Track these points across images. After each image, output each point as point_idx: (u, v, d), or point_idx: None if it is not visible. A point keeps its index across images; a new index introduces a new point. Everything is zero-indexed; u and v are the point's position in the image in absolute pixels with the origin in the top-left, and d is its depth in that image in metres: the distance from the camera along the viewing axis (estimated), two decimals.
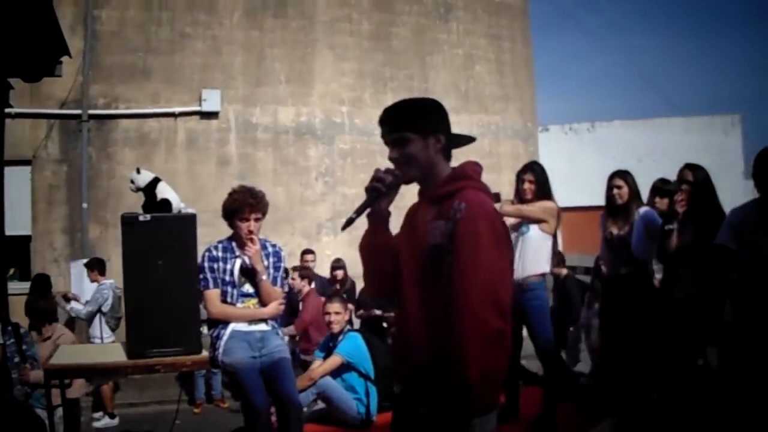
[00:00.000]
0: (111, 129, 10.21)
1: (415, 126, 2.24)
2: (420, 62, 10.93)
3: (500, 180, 10.40)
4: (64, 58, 6.29)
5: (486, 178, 8.88)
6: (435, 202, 2.23)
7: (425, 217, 2.23)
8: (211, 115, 10.21)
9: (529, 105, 11.72)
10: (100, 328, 7.73)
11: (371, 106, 10.61)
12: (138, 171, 4.65)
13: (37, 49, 5.86)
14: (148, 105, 10.23)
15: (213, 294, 4.08)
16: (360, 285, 7.39)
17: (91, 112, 10.12)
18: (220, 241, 4.19)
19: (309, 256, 8.51)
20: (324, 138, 10.48)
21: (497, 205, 4.81)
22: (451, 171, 2.28)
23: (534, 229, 4.90)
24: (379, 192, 2.29)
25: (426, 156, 2.24)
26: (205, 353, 4.02)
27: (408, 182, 2.30)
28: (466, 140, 2.49)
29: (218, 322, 4.08)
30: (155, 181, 4.58)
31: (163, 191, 4.55)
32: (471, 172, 2.30)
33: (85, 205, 10.02)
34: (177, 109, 10.23)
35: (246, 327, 4.04)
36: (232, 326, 4.02)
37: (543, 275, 4.96)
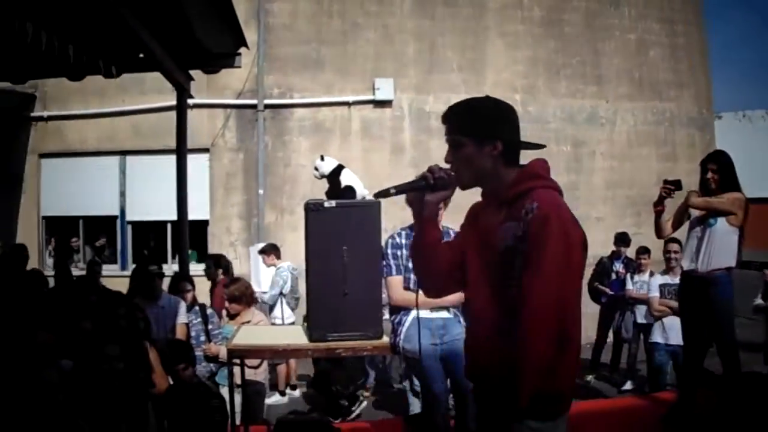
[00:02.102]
0: (286, 118, 10.93)
1: (469, 130, 2.21)
2: (592, 49, 11.19)
3: (676, 169, 10.54)
4: (241, 50, 6.96)
5: (662, 166, 9.34)
6: (505, 204, 2.21)
7: (495, 219, 2.21)
8: (384, 104, 10.79)
9: (705, 91, 11.77)
10: (281, 309, 8.28)
11: (545, 93, 10.96)
12: (322, 158, 4.80)
13: (216, 42, 6.53)
14: (322, 94, 10.92)
15: (396, 280, 4.17)
16: None
17: (266, 101, 10.95)
18: (403, 228, 4.26)
19: None
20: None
21: (690, 194, 4.93)
22: (519, 171, 2.24)
23: (722, 221, 4.86)
24: (426, 182, 2.29)
25: (480, 162, 2.21)
26: (386, 339, 4.10)
27: (464, 188, 2.29)
28: (534, 147, 2.38)
29: (400, 309, 4.17)
30: (339, 168, 4.72)
31: (347, 178, 4.69)
32: (540, 170, 2.25)
33: (261, 192, 10.81)
34: (351, 98, 10.86)
35: (428, 314, 4.05)
36: (413, 313, 4.05)
37: (729, 269, 4.90)
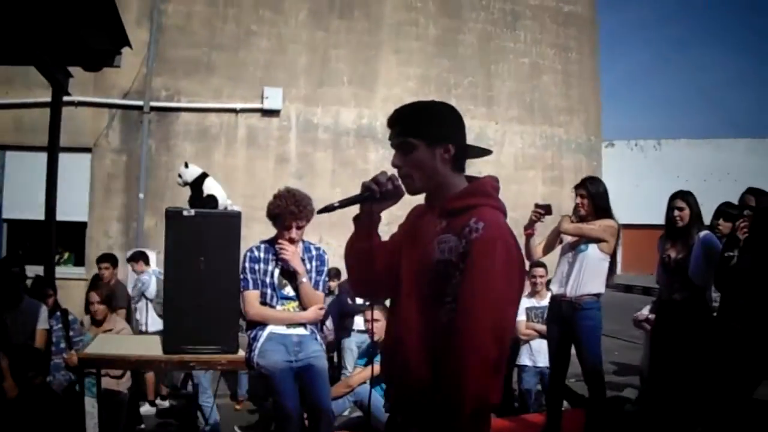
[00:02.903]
0: (172, 122, 10.95)
1: (421, 132, 2.17)
2: (485, 70, 11.44)
3: (562, 193, 10.83)
4: (128, 50, 6.97)
5: (548, 190, 9.56)
6: (446, 215, 2.16)
7: (433, 228, 2.17)
8: (272, 113, 10.88)
9: (594, 119, 12.10)
10: (145, 315, 8.23)
11: None
12: (186, 165, 4.78)
13: (97, 39, 6.52)
14: (210, 100, 10.97)
15: (252, 295, 4.15)
16: None
17: (153, 104, 10.93)
18: (263, 242, 4.24)
19: None
20: (385, 141, 10.81)
21: (563, 219, 5.11)
22: (468, 185, 2.21)
23: (593, 247, 5.00)
24: (372, 194, 2.25)
25: (431, 166, 2.17)
26: (241, 353, 4.11)
27: (413, 193, 2.25)
28: (481, 152, 2.36)
29: (256, 324, 4.16)
30: (203, 176, 4.71)
31: (210, 187, 4.68)
32: (490, 188, 2.22)
33: (141, 196, 10.81)
34: (239, 105, 10.93)
35: (284, 330, 4.08)
36: (269, 329, 4.08)
37: (598, 295, 5.04)
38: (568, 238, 5.18)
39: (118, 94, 10.95)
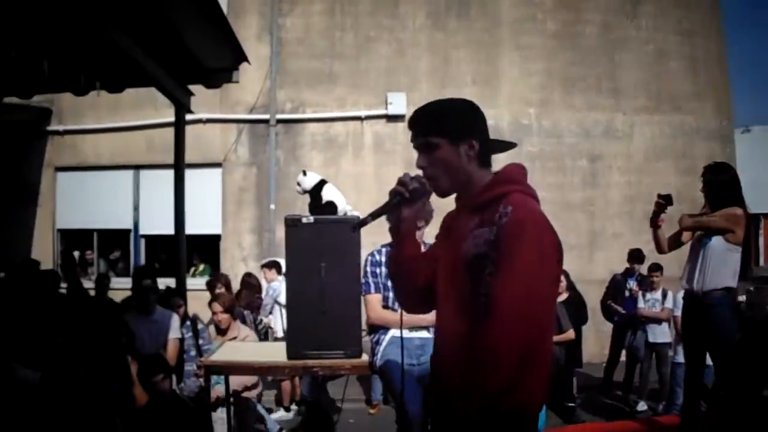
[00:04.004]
0: (298, 132, 11.23)
1: (443, 130, 2.15)
2: (608, 61, 11.33)
3: (696, 183, 10.52)
4: (248, 66, 7.21)
5: (680, 181, 9.33)
6: (477, 210, 2.14)
7: (467, 226, 2.14)
8: (397, 118, 10.99)
9: (725, 103, 11.80)
10: (280, 321, 8.44)
11: (560, 107, 11.13)
12: (304, 173, 4.85)
13: (216, 57, 6.76)
14: (335, 109, 11.23)
15: (374, 299, 4.19)
16: None
17: (279, 116, 11.31)
18: (383, 245, 4.22)
19: None
20: (512, 140, 10.91)
21: (682, 217, 4.92)
22: (493, 175, 2.19)
23: (717, 239, 4.85)
24: (402, 197, 2.23)
25: (456, 164, 2.15)
26: (365, 358, 4.12)
27: (442, 194, 2.23)
28: (507, 146, 2.38)
29: (378, 328, 4.19)
30: (321, 183, 4.77)
31: (329, 193, 4.72)
32: (516, 175, 2.20)
33: (273, 207, 11.14)
34: (363, 113, 11.13)
35: (406, 333, 4.00)
36: (391, 332, 4.10)
37: (728, 289, 4.87)
38: (697, 232, 5.05)
39: (244, 110, 11.33)
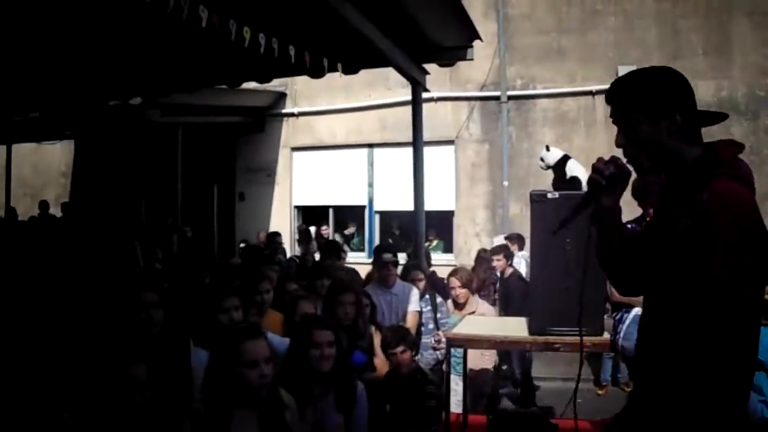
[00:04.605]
0: (529, 109, 11.48)
1: (642, 105, 2.02)
2: None
3: None
4: (479, 43, 7.42)
5: None
6: (679, 194, 2.00)
7: (671, 208, 2.02)
8: None
9: None
10: None
11: None
12: (547, 148, 5.03)
13: (448, 35, 7.01)
14: (565, 84, 11.35)
15: None
16: None
17: (509, 93, 11.59)
18: (629, 222, 4.13)
19: None
20: (748, 114, 10.76)
21: None
22: (698, 156, 2.01)
23: None
24: (599, 186, 2.12)
25: (658, 141, 2.00)
26: (606, 336, 4.05)
27: (643, 174, 2.12)
28: (716, 118, 2.10)
29: (621, 306, 4.19)
30: (564, 158, 4.92)
31: (572, 169, 4.87)
32: (723, 155, 1.98)
33: (505, 183, 11.47)
34: (594, 87, 11.17)
35: None
36: (635, 311, 4.07)
37: None
38: None
39: (474, 87, 11.69)
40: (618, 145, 2.09)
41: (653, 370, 2.02)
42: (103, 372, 2.70)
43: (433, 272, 7.87)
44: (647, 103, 2.01)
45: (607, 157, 2.15)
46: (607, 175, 2.09)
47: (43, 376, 3.57)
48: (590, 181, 2.15)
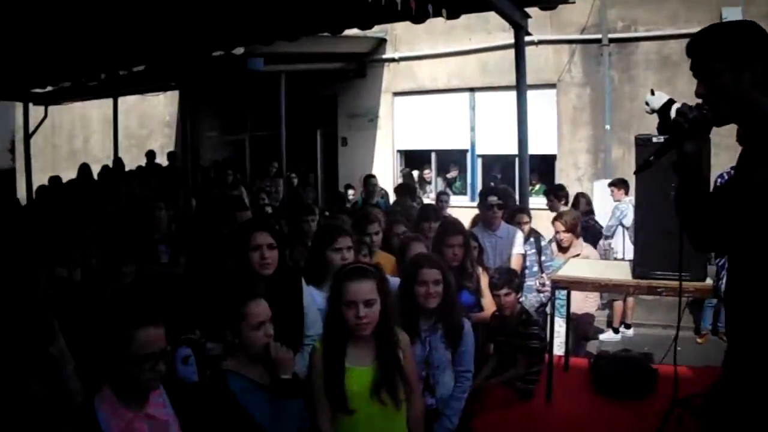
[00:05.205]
0: (631, 52, 11.61)
1: (723, 55, 2.03)
2: None
3: None
4: None
5: None
6: (757, 147, 2.01)
7: (752, 165, 2.01)
8: None
9: None
10: (623, 242, 8.95)
11: None
12: (652, 92, 4.79)
13: None
14: (668, 27, 11.35)
15: None
16: None
17: (611, 36, 11.64)
18: (733, 167, 4.17)
19: None
20: None
21: None
22: None
23: None
24: (681, 129, 2.14)
25: (737, 92, 2.01)
26: (709, 281, 4.04)
27: (719, 124, 2.12)
28: None
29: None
30: (669, 102, 4.63)
31: None
32: None
33: (608, 127, 11.67)
34: (698, 30, 11.09)
35: None
36: None
37: None
38: None
39: (575, 30, 11.83)
40: (698, 95, 2.13)
41: (743, 337, 2.05)
42: (227, 310, 2.97)
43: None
44: (731, 54, 2.03)
45: None
46: (690, 118, 2.13)
47: None
48: (674, 123, 2.19)
